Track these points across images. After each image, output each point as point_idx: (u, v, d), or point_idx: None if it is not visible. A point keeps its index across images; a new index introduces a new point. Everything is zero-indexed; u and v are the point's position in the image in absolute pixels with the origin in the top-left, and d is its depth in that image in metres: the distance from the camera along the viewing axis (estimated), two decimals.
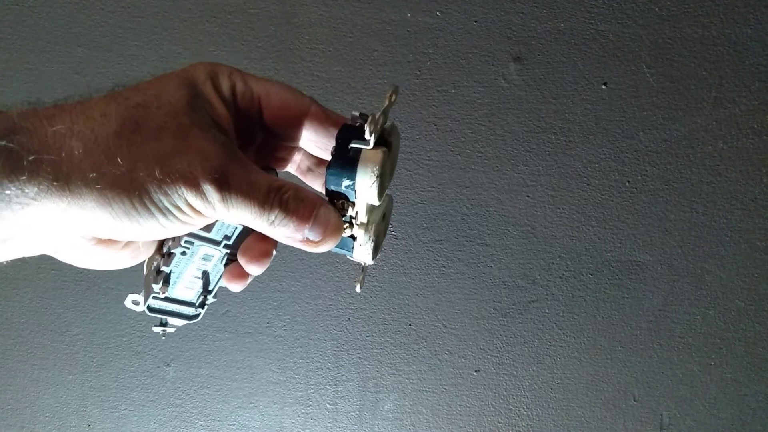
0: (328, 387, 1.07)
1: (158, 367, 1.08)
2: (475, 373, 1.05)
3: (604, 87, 0.97)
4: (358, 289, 0.43)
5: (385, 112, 0.36)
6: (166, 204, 0.31)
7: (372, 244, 0.39)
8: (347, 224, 0.38)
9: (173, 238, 0.38)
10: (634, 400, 1.04)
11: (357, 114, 0.35)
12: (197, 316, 0.42)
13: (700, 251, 1.00)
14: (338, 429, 1.08)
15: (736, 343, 1.02)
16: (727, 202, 0.98)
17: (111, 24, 0.99)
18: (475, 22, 0.97)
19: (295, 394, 1.07)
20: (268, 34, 0.98)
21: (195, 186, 0.31)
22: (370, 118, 0.34)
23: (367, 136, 0.34)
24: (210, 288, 0.41)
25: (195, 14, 0.98)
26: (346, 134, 0.36)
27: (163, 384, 1.08)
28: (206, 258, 0.40)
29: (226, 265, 0.41)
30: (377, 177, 0.35)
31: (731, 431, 1.04)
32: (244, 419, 1.08)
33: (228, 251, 0.40)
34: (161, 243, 0.39)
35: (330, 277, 1.02)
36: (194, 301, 0.41)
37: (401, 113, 0.98)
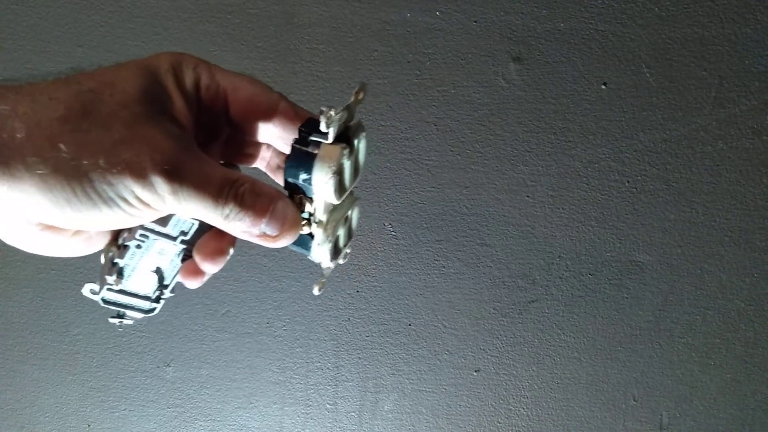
0: (328, 387, 1.07)
1: (158, 367, 1.08)
2: (474, 373, 1.05)
3: (603, 87, 0.97)
4: (315, 291, 0.42)
5: (348, 108, 0.35)
6: (111, 194, 0.30)
7: (330, 245, 0.38)
8: (306, 221, 0.37)
9: (129, 230, 0.37)
10: (634, 400, 1.04)
11: (325, 108, 0.34)
12: (153, 310, 0.42)
13: (700, 251, 1.00)
14: (338, 429, 1.08)
15: (736, 343, 1.02)
16: (727, 202, 0.98)
17: (111, 24, 0.99)
18: (475, 22, 0.97)
19: (295, 394, 1.07)
20: (267, 34, 0.98)
21: (142, 177, 0.30)
22: (326, 110, 0.33)
23: (322, 128, 0.33)
24: (166, 283, 0.41)
25: (195, 14, 0.98)
26: (310, 127, 0.35)
27: (162, 384, 1.08)
28: (162, 252, 0.39)
29: (183, 260, 0.40)
30: (333, 173, 0.34)
31: (731, 431, 1.04)
32: (244, 419, 1.08)
33: (185, 247, 0.39)
34: (117, 234, 0.38)
35: (330, 278, 1.02)
36: (150, 295, 0.41)
37: (401, 113, 0.98)
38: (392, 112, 0.98)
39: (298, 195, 0.37)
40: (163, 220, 0.37)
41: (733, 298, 1.01)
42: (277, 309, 1.04)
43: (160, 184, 0.31)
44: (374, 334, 1.04)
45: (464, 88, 0.98)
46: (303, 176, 0.35)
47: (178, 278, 0.41)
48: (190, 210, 0.33)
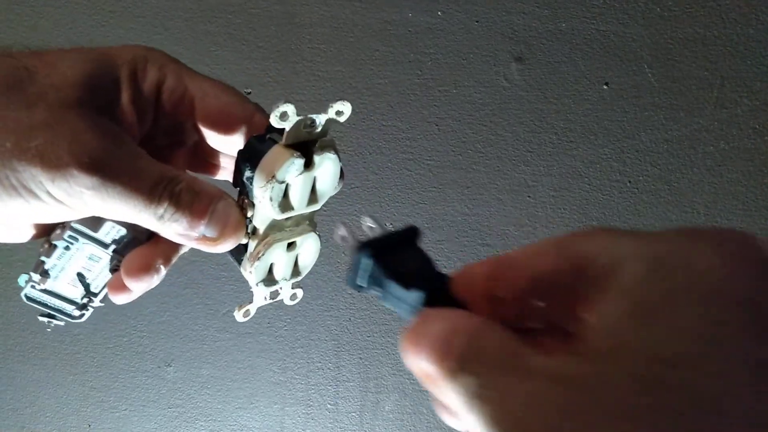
0: (329, 387, 1.06)
1: (159, 367, 1.08)
2: None
3: (605, 87, 0.97)
4: (236, 315, 0.37)
5: (312, 121, 0.31)
6: (14, 182, 0.27)
7: (258, 264, 0.34)
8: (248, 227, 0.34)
9: (62, 228, 0.34)
10: None
11: (282, 103, 0.30)
12: (80, 317, 0.39)
13: None
14: (339, 429, 1.08)
15: None
16: (729, 202, 0.98)
17: (111, 24, 0.99)
18: (477, 22, 0.97)
19: (296, 394, 1.07)
20: (269, 34, 0.98)
21: (54, 168, 0.27)
22: (281, 104, 0.29)
23: (273, 122, 0.29)
24: (95, 291, 0.38)
25: (196, 14, 0.98)
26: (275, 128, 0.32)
27: (163, 384, 1.08)
28: (93, 259, 0.36)
29: (113, 271, 0.37)
30: (273, 180, 0.31)
31: None
32: (244, 420, 1.08)
33: (117, 257, 0.36)
34: (48, 228, 0.35)
35: (331, 278, 1.02)
36: (78, 301, 0.38)
37: (402, 113, 0.98)
38: (393, 112, 0.98)
39: (242, 196, 0.33)
40: (95, 224, 0.34)
41: None
42: (278, 309, 1.04)
43: (78, 178, 0.27)
44: (375, 334, 1.04)
45: (466, 88, 0.98)
46: (247, 173, 0.32)
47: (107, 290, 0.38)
48: (118, 210, 0.29)
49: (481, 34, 0.97)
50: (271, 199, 0.31)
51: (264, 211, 0.33)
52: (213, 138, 0.36)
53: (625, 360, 0.16)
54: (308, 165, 0.32)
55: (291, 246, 0.35)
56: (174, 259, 0.36)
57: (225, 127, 0.35)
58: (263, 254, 0.34)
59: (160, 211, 0.30)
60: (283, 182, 0.31)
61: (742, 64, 0.95)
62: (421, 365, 0.21)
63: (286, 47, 0.98)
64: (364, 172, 0.99)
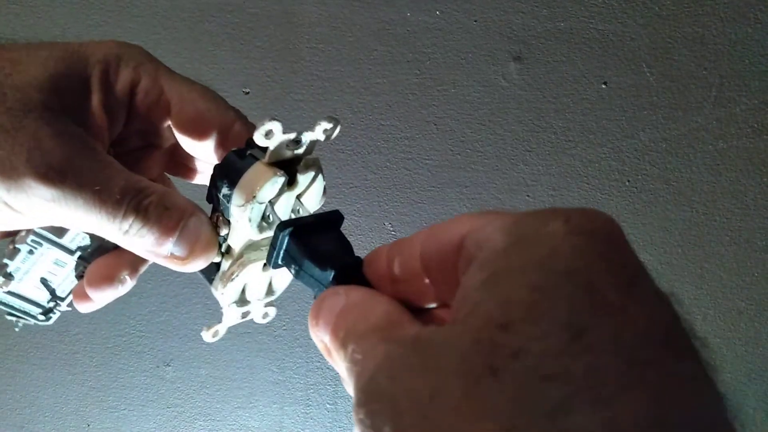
0: (328, 387, 1.07)
1: (158, 367, 1.08)
2: None
3: (604, 86, 0.97)
4: (204, 335, 0.35)
5: (298, 140, 0.29)
6: None
7: (231, 285, 0.32)
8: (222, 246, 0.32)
9: (26, 231, 0.33)
10: None
11: (268, 119, 0.28)
12: (47, 320, 0.38)
13: (701, 251, 1.00)
14: (338, 429, 1.08)
15: (737, 343, 1.02)
16: (728, 201, 0.98)
17: (111, 24, 0.99)
18: (475, 21, 0.97)
19: (294, 393, 1.07)
20: (267, 34, 0.98)
21: (9, 178, 0.26)
22: (267, 120, 0.27)
23: (257, 140, 0.28)
24: (61, 296, 0.37)
25: (195, 14, 0.98)
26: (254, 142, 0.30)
27: (162, 384, 1.08)
28: (59, 264, 0.35)
29: (79, 278, 0.36)
30: (254, 200, 0.29)
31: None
32: (243, 419, 1.08)
33: (83, 263, 0.35)
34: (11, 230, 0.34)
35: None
36: (44, 305, 0.37)
37: (401, 112, 0.98)
38: (392, 112, 0.98)
39: (218, 213, 0.31)
40: (60, 231, 0.33)
41: (734, 297, 1.01)
42: (277, 308, 1.04)
43: (35, 189, 0.26)
44: None
45: (464, 88, 0.98)
46: (224, 190, 0.30)
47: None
48: (80, 222, 0.28)
49: (479, 33, 0.97)
50: (249, 220, 0.30)
51: (241, 231, 0.31)
52: (189, 144, 0.34)
53: (471, 324, 0.17)
54: (291, 183, 0.30)
55: (267, 266, 0.33)
56: (142, 269, 0.33)
57: (201, 135, 0.32)
58: (237, 275, 0.32)
59: (125, 226, 0.28)
60: (263, 203, 0.30)
61: (741, 63, 0.96)
62: (318, 338, 0.23)
63: (285, 47, 0.98)
64: (362, 171, 0.99)
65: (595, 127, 0.98)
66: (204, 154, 0.34)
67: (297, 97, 0.98)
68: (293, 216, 0.32)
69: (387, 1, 0.97)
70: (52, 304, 0.37)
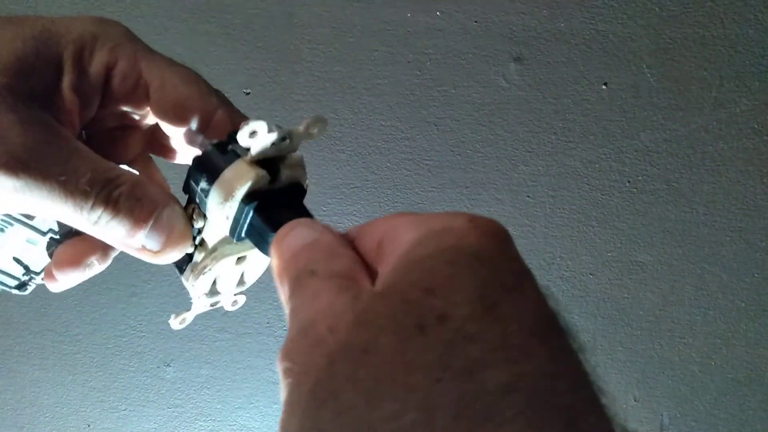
0: None
1: (158, 367, 1.08)
2: None
3: (604, 87, 0.97)
4: (173, 324, 0.34)
5: (289, 134, 0.28)
6: None
7: (202, 278, 0.31)
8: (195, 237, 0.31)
9: None
10: (635, 401, 1.04)
11: (252, 120, 0.27)
12: (24, 291, 0.37)
13: (701, 251, 0.99)
14: None
15: (737, 344, 1.02)
16: (728, 202, 0.98)
17: None
18: (476, 22, 0.97)
19: None
20: (268, 34, 0.98)
21: None
22: (251, 122, 0.27)
23: (240, 140, 0.27)
24: (36, 270, 0.37)
25: (195, 14, 0.98)
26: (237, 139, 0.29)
27: (163, 384, 1.08)
28: (31, 242, 0.35)
29: (51, 256, 0.35)
30: (232, 199, 0.28)
31: None
32: (244, 419, 1.08)
33: (56, 243, 0.34)
34: None
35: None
36: (19, 278, 0.37)
37: (401, 113, 0.98)
38: (392, 112, 0.98)
39: (194, 205, 0.30)
40: (30, 214, 0.33)
41: (734, 298, 1.00)
42: (278, 309, 1.04)
43: None
44: None
45: (464, 88, 0.98)
46: (203, 184, 0.29)
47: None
48: (47, 211, 0.27)
49: (479, 34, 0.97)
50: (227, 218, 0.28)
51: (217, 227, 0.30)
52: (169, 129, 0.32)
53: (399, 287, 0.20)
54: (272, 182, 0.29)
55: (240, 260, 0.32)
56: (114, 254, 0.32)
57: (181, 121, 0.31)
58: (209, 269, 0.31)
59: (94, 217, 0.27)
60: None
61: (741, 64, 0.95)
62: (277, 256, 0.25)
63: (285, 47, 0.98)
64: (363, 172, 0.99)
65: (595, 127, 0.98)
66: (184, 138, 0.32)
67: (297, 97, 0.98)
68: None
69: (387, 2, 0.97)
70: (26, 278, 0.37)
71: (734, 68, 0.96)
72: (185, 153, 0.35)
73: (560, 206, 0.99)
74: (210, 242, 0.31)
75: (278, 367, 0.21)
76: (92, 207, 0.27)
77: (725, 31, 0.95)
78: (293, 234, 0.25)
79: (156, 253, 0.29)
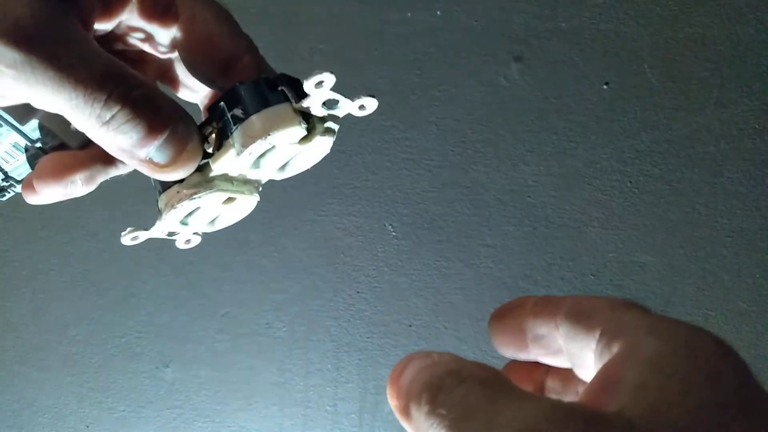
0: (328, 389, 1.06)
1: (157, 368, 1.07)
2: None
3: (605, 87, 0.97)
4: (124, 239, 0.31)
5: (336, 103, 0.28)
6: None
7: (188, 203, 0.29)
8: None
9: None
10: None
11: (327, 73, 0.27)
12: (1, 197, 0.35)
13: (702, 252, 0.99)
14: (338, 431, 1.07)
15: (738, 344, 1.01)
16: (729, 202, 0.98)
17: None
18: (476, 21, 0.97)
19: (294, 395, 1.07)
20: (268, 33, 0.98)
21: None
22: (321, 74, 0.26)
23: (306, 86, 0.26)
24: (16, 178, 0.34)
25: None
26: (287, 82, 0.29)
27: (162, 385, 1.08)
28: (17, 147, 0.32)
29: (33, 167, 0.32)
30: (266, 138, 0.27)
31: None
32: (243, 421, 1.08)
33: (42, 153, 0.32)
34: None
35: (330, 278, 1.02)
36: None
37: (402, 113, 0.98)
38: (393, 112, 0.98)
39: (211, 125, 0.28)
40: (23, 116, 0.30)
41: (735, 299, 1.00)
42: (277, 310, 1.04)
43: None
44: (375, 335, 1.04)
45: (465, 88, 0.97)
46: (237, 111, 0.28)
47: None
48: (49, 100, 0.23)
49: (480, 33, 0.97)
50: (249, 154, 0.27)
51: (230, 159, 0.28)
52: (190, 64, 0.30)
53: (636, 413, 0.16)
54: (304, 139, 0.29)
55: (229, 201, 0.31)
56: (99, 180, 0.29)
57: (206, 59, 0.29)
58: (200, 196, 0.29)
59: (106, 114, 0.24)
60: (272, 144, 0.28)
61: (743, 64, 0.95)
62: (394, 403, 0.20)
63: (285, 47, 0.98)
64: (363, 172, 0.99)
65: (596, 127, 0.97)
66: (206, 77, 0.30)
67: None
68: (283, 168, 0.31)
69: (388, 1, 0.97)
70: (5, 184, 0.35)
71: (736, 68, 0.95)
72: (195, 91, 0.33)
73: (561, 206, 0.99)
74: (211, 171, 0.29)
75: None
76: (106, 102, 0.23)
77: (726, 31, 0.95)
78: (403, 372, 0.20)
79: (161, 167, 0.26)
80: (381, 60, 0.97)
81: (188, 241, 0.33)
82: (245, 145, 0.27)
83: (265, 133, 0.27)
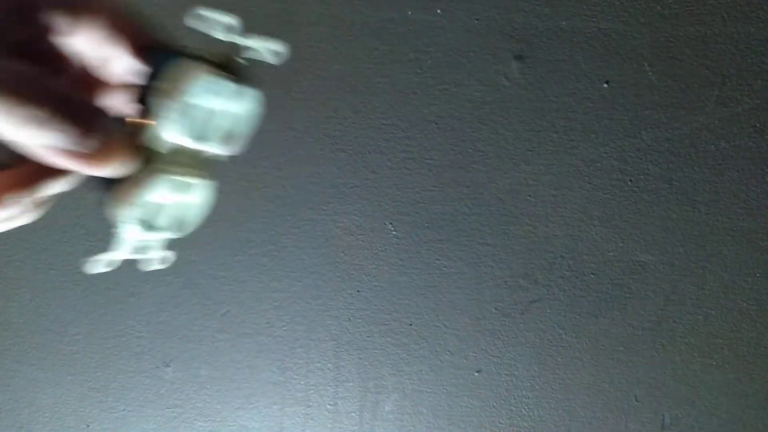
0: (329, 387, 1.06)
1: (157, 367, 1.07)
2: (476, 374, 1.04)
3: (606, 85, 0.96)
4: (89, 267, 0.29)
5: (231, 27, 0.27)
6: None
7: (139, 193, 0.27)
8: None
9: None
10: (636, 401, 1.03)
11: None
12: None
13: (702, 251, 0.99)
14: (338, 430, 1.07)
15: (738, 344, 1.02)
16: (730, 201, 0.98)
17: None
18: (477, 19, 0.96)
19: (295, 394, 1.07)
20: (268, 33, 0.97)
21: None
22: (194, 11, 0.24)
23: (189, 21, 0.26)
24: None
25: None
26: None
27: (162, 384, 1.08)
28: None
29: None
30: (183, 93, 0.26)
31: None
32: (243, 420, 1.08)
33: None
34: None
35: (330, 277, 1.02)
36: None
37: (402, 112, 0.98)
38: (393, 111, 0.98)
39: (141, 106, 0.27)
40: None
41: (736, 297, 1.00)
42: (277, 309, 1.04)
43: None
44: (375, 335, 1.04)
45: (465, 87, 0.97)
46: (150, 83, 0.27)
47: None
48: None
49: (480, 32, 0.97)
50: (177, 114, 0.26)
51: (163, 131, 0.27)
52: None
53: None
54: (220, 75, 0.28)
55: (181, 189, 0.29)
56: (25, 199, 0.26)
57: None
58: (148, 183, 0.27)
59: (28, 115, 0.22)
60: (193, 104, 0.27)
61: (743, 62, 0.95)
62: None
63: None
64: (363, 171, 0.99)
65: (596, 126, 0.97)
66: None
67: (297, 96, 0.98)
68: (227, 139, 0.31)
69: (387, 0, 0.97)
70: None
71: (736, 67, 0.95)
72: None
73: (562, 205, 0.99)
74: (156, 159, 0.28)
75: None
76: (25, 103, 0.22)
77: (727, 29, 0.95)
78: None
79: (92, 157, 0.24)
80: (380, 59, 0.97)
81: (164, 259, 0.31)
82: (167, 110, 0.26)
83: (175, 87, 0.26)
